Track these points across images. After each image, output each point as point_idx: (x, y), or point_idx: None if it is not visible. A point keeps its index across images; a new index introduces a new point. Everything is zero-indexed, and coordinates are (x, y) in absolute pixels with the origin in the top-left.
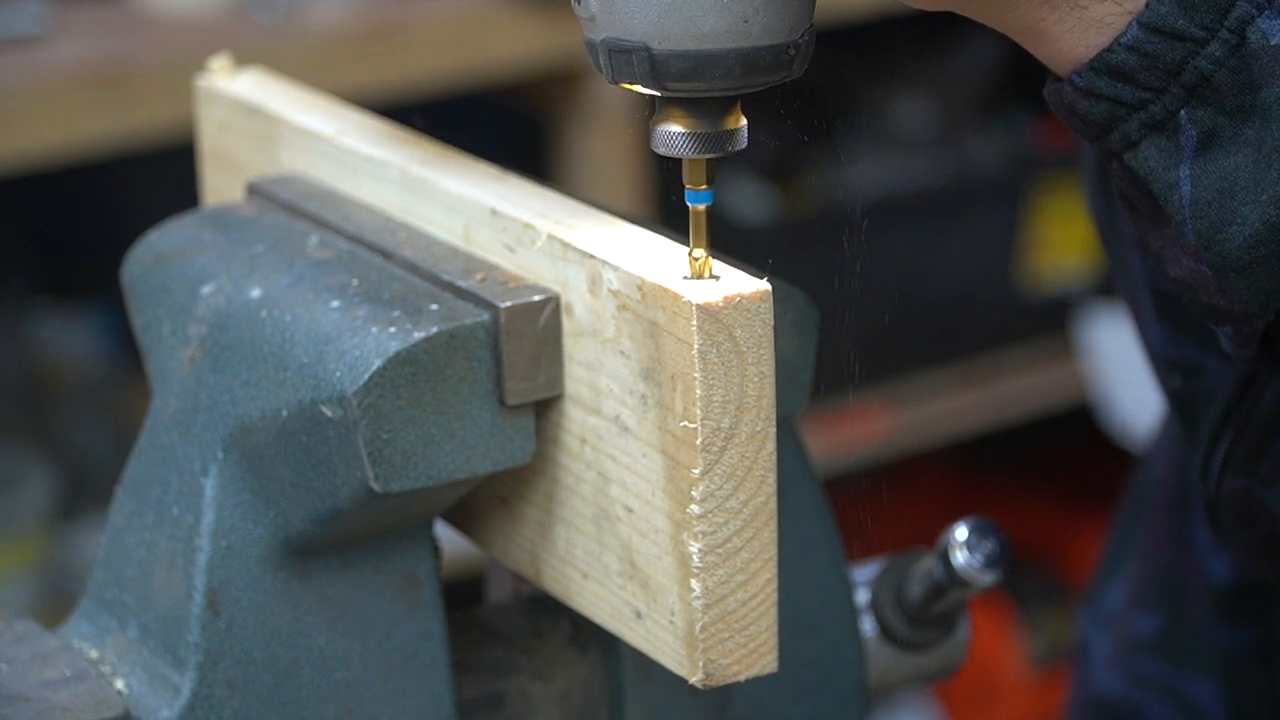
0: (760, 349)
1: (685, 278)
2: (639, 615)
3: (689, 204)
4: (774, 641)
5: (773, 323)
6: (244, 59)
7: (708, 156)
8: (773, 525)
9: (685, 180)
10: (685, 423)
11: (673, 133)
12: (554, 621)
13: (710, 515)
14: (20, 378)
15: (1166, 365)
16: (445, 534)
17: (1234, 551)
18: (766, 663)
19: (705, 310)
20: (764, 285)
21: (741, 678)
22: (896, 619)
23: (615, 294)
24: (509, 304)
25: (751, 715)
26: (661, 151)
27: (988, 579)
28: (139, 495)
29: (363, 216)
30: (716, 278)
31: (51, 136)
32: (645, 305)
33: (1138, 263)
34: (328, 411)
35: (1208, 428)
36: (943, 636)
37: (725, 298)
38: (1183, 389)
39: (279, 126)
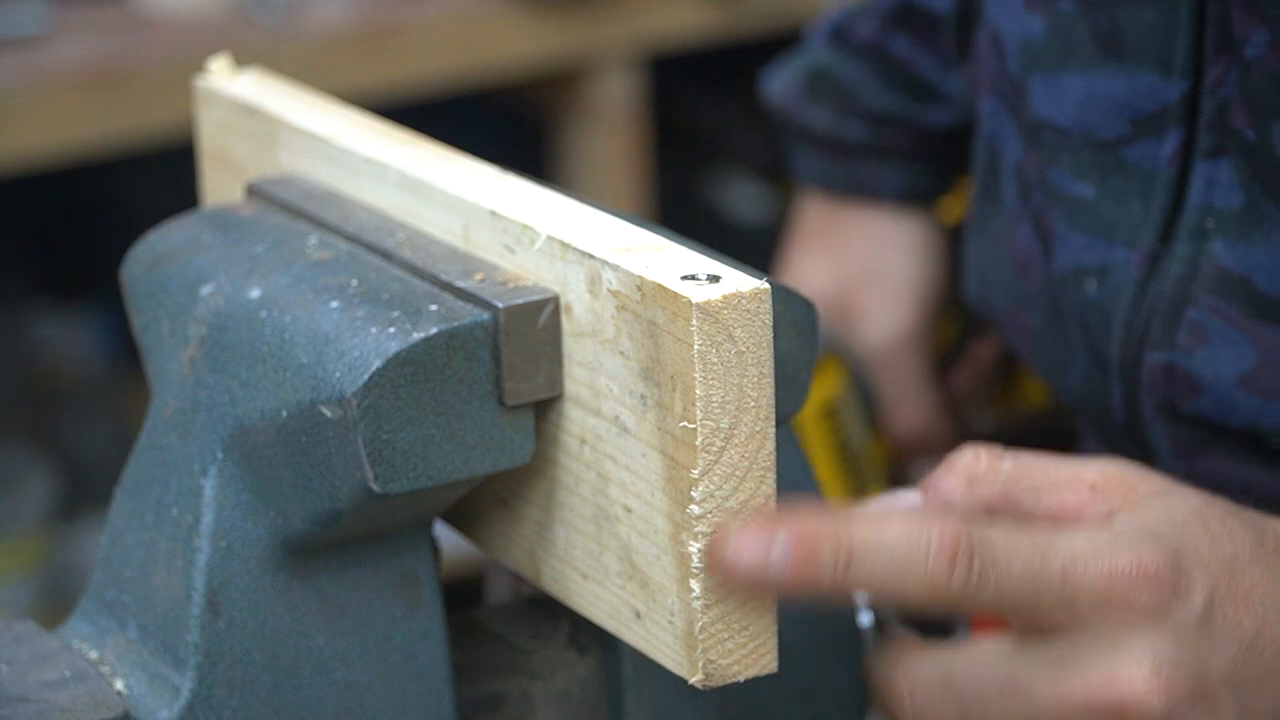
0: (759, 349)
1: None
2: (638, 615)
3: None
4: (774, 641)
5: (772, 322)
6: (243, 59)
7: None
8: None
9: None
10: (684, 423)
11: None
12: (554, 622)
13: (710, 515)
14: (20, 378)
15: (1080, 276)
16: (445, 534)
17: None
18: (766, 663)
19: (704, 310)
20: (763, 284)
21: (741, 678)
22: (896, 616)
23: (614, 294)
24: (508, 304)
25: (751, 715)
26: None
27: None
28: (138, 496)
29: (362, 217)
30: (716, 278)
31: (51, 137)
32: (644, 305)
33: (1050, 177)
34: (327, 412)
35: (1119, 327)
36: (943, 634)
37: (724, 297)
38: (1097, 294)
39: (278, 127)
